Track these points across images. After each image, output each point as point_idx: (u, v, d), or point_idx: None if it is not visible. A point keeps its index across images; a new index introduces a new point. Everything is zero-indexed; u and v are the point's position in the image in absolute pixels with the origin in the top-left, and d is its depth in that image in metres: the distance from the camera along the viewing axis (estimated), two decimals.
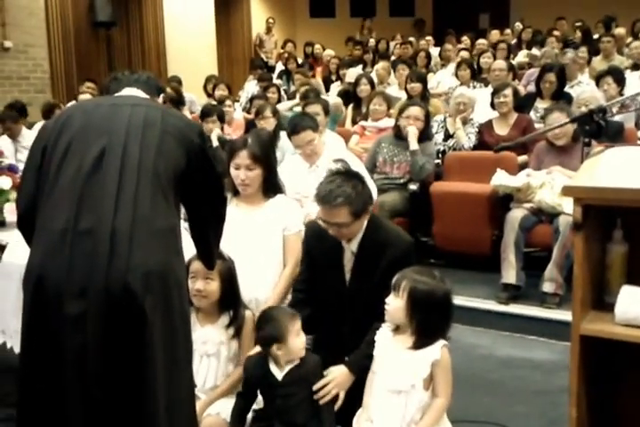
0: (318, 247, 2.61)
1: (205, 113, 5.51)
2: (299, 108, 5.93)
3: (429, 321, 2.15)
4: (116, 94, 2.08)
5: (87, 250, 1.69)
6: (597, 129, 2.18)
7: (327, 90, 8.01)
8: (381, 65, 7.71)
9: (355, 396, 2.34)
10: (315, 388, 2.33)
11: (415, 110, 4.76)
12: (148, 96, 2.10)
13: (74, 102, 2.11)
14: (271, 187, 2.92)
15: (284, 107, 6.65)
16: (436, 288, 2.16)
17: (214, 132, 5.19)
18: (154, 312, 1.70)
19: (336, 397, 2.36)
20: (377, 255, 2.47)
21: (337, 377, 2.37)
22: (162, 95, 2.24)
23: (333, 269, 2.56)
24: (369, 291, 2.24)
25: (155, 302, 1.70)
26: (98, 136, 1.82)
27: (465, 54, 8.16)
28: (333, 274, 2.56)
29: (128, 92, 2.08)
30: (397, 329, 2.24)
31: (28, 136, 5.86)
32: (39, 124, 6.27)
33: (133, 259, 1.69)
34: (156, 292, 1.72)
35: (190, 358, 1.96)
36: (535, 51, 8.69)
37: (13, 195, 2.96)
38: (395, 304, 2.17)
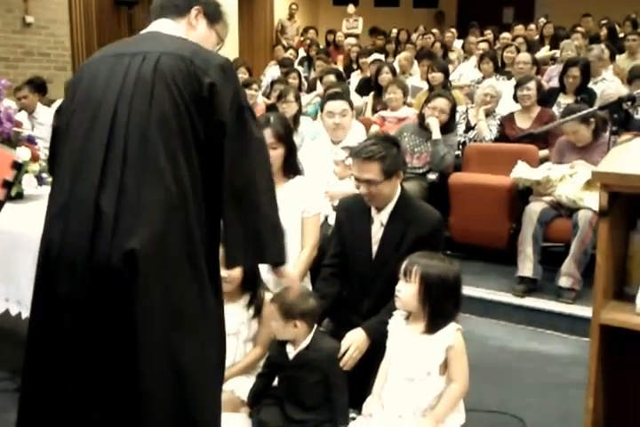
0: (348, 220, 2.65)
1: None
2: (318, 99, 5.90)
3: (443, 304, 2.13)
4: (141, 32, 1.88)
5: (76, 224, 1.62)
6: (626, 117, 2.15)
7: (348, 77, 7.97)
8: (404, 55, 7.66)
9: (369, 381, 2.34)
10: (339, 357, 2.36)
11: (441, 102, 4.70)
12: (170, 22, 1.83)
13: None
14: (291, 167, 2.91)
15: (304, 101, 6.62)
16: (448, 271, 2.15)
17: None
18: (145, 288, 1.57)
19: (349, 379, 2.38)
20: (405, 229, 2.52)
21: (355, 340, 2.41)
22: (196, 8, 1.85)
23: (361, 240, 2.60)
24: (394, 264, 2.24)
25: (147, 279, 1.57)
26: (93, 102, 1.70)
27: (484, 46, 8.09)
28: (361, 245, 2.60)
29: (153, 26, 1.86)
30: (410, 316, 2.22)
31: (44, 113, 5.81)
32: (60, 101, 6.24)
33: (117, 236, 1.57)
34: (147, 268, 1.57)
35: (210, 334, 1.74)
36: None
37: (32, 166, 2.96)
38: (407, 291, 2.15)
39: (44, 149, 3.10)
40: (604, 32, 9.10)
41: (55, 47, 8.56)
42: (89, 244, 1.58)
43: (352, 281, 2.66)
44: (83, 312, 1.60)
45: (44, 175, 3.02)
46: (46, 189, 3.12)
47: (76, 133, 1.70)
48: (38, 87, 6.15)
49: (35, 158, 2.98)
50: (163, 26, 1.84)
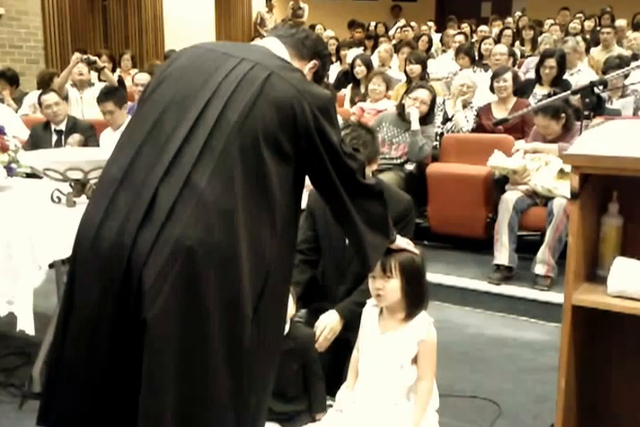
0: (320, 206, 2.63)
1: None
2: None
3: (420, 292, 2.15)
4: (252, 42, 1.85)
5: (124, 207, 1.48)
6: (598, 101, 2.17)
7: None
8: (384, 47, 7.66)
9: (343, 366, 2.34)
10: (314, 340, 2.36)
11: (423, 93, 4.70)
12: (284, 51, 1.77)
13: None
14: None
15: None
16: (417, 258, 2.15)
17: None
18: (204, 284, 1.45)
19: (327, 370, 2.39)
20: None
21: (329, 323, 2.41)
22: (315, 61, 1.83)
23: (334, 225, 2.57)
24: None
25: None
26: (187, 83, 1.61)
27: (460, 38, 8.12)
28: (334, 231, 2.58)
29: (264, 42, 1.81)
30: (383, 309, 2.21)
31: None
32: (32, 94, 6.15)
33: (167, 228, 1.44)
34: (205, 266, 1.46)
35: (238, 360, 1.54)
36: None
37: (1, 157, 2.90)
38: (390, 286, 2.12)
39: (12, 139, 3.05)
40: (578, 24, 9.23)
41: (27, 39, 8.41)
42: (134, 231, 1.45)
43: (326, 268, 2.65)
44: (104, 313, 1.47)
45: (14, 166, 2.97)
46: (16, 180, 3.08)
47: (155, 108, 1.60)
48: (11, 80, 6.06)
49: (4, 149, 2.93)
50: (279, 49, 1.77)
